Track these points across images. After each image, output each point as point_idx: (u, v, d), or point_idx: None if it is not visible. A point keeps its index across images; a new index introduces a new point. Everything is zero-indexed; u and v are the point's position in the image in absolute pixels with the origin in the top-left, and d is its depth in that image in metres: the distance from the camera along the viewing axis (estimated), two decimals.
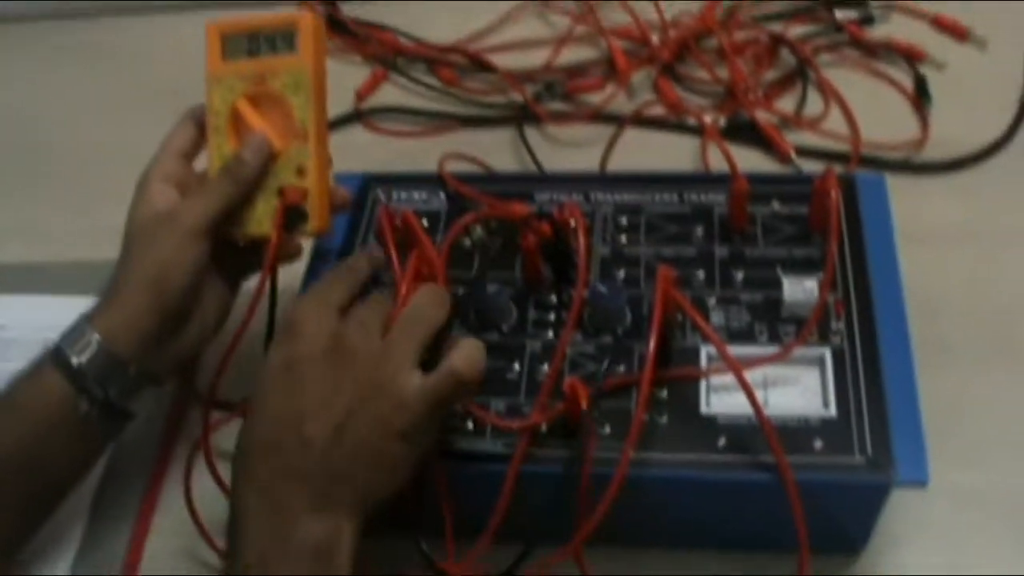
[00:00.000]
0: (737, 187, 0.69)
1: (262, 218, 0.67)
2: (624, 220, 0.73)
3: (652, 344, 0.60)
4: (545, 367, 0.66)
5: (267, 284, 0.68)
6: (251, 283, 0.71)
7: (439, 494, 0.62)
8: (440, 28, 1.06)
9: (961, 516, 0.67)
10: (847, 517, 0.63)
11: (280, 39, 0.67)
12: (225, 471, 0.67)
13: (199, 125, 0.70)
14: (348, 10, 1.09)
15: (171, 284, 0.66)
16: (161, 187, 0.67)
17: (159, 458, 0.77)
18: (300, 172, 0.67)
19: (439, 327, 0.61)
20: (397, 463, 0.58)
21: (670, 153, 0.90)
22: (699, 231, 0.72)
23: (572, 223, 0.68)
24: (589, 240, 0.70)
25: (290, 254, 0.73)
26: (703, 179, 0.76)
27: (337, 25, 1.08)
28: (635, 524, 0.63)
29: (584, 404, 0.59)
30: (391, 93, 1.02)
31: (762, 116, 0.91)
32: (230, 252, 0.71)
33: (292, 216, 0.67)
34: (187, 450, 0.73)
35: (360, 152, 0.95)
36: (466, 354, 0.60)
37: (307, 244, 0.75)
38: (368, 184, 0.79)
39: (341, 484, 0.57)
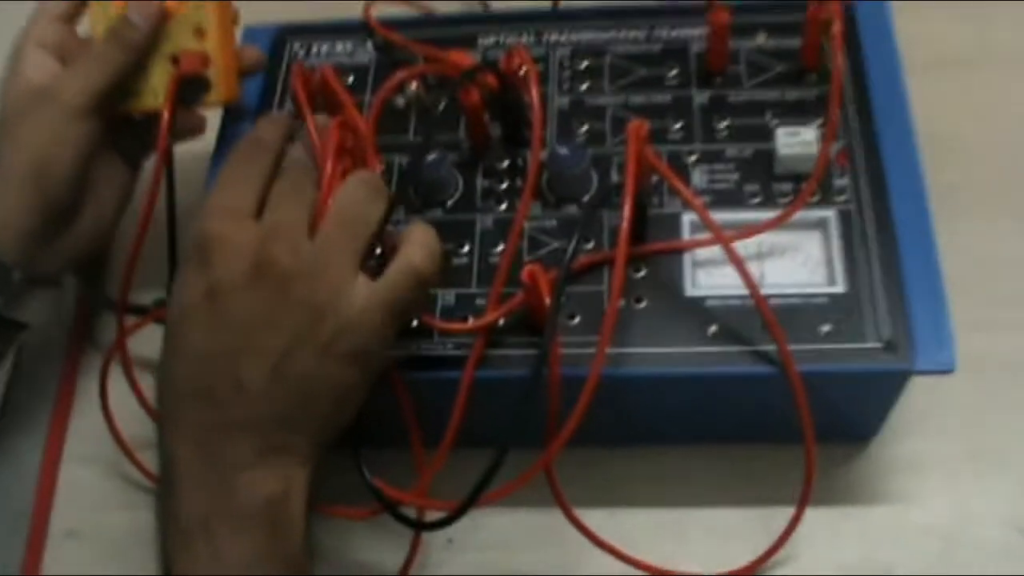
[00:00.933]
0: (716, 18, 0.58)
1: (158, 89, 0.60)
2: (584, 64, 0.63)
3: (625, 213, 0.51)
4: (500, 247, 0.57)
5: (163, 175, 0.57)
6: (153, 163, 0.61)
7: (383, 403, 0.53)
8: None
9: (983, 390, 0.58)
10: (858, 407, 0.56)
11: None
12: (144, 382, 0.61)
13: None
14: None
15: (53, 174, 0.57)
16: (37, 56, 0.59)
17: (65, 372, 0.68)
18: (199, 33, 0.60)
19: (379, 222, 0.50)
20: (351, 392, 0.50)
21: None
22: (673, 73, 0.62)
23: (522, 71, 0.57)
24: (542, 90, 0.59)
25: (191, 129, 0.64)
26: (675, 10, 0.65)
27: None
28: (613, 424, 0.56)
29: (547, 296, 0.49)
30: None
31: None
32: (126, 128, 0.62)
33: (192, 86, 0.59)
34: (97, 360, 0.65)
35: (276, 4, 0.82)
36: (421, 243, 0.52)
37: (215, 116, 0.64)
38: (282, 37, 0.68)
39: (288, 430, 0.48)
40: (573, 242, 0.51)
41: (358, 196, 0.51)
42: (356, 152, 0.56)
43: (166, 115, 0.58)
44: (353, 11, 0.68)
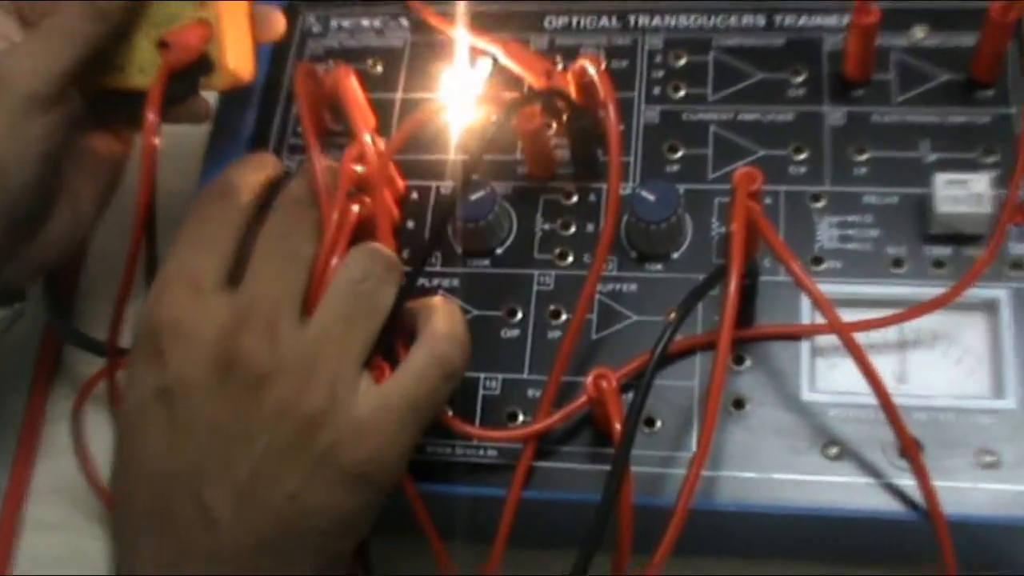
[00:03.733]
0: (860, 19, 0.54)
1: (146, 64, 0.57)
2: (682, 61, 0.60)
3: (730, 292, 0.48)
4: (563, 317, 0.54)
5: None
6: None
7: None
8: None
9: None
10: (1016, 552, 0.52)
11: None
12: None
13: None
14: None
15: (10, 177, 0.55)
16: None
17: (30, 407, 0.68)
18: None
19: (389, 308, 0.48)
20: (355, 517, 0.48)
21: None
22: (799, 80, 0.58)
23: (595, 84, 0.54)
24: (626, 97, 0.58)
25: (191, 116, 0.60)
26: None
27: None
28: (698, 540, 0.53)
29: (617, 419, 0.47)
30: None
31: None
32: (108, 99, 0.59)
33: (187, 71, 0.56)
34: (67, 396, 0.66)
35: None
36: (446, 325, 0.49)
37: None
38: (292, 8, 0.65)
39: (273, 563, 0.46)
40: (660, 343, 0.48)
41: (364, 273, 0.49)
42: (369, 184, 0.53)
43: (149, 112, 0.54)
44: None
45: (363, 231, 0.51)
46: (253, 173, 0.51)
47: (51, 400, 0.68)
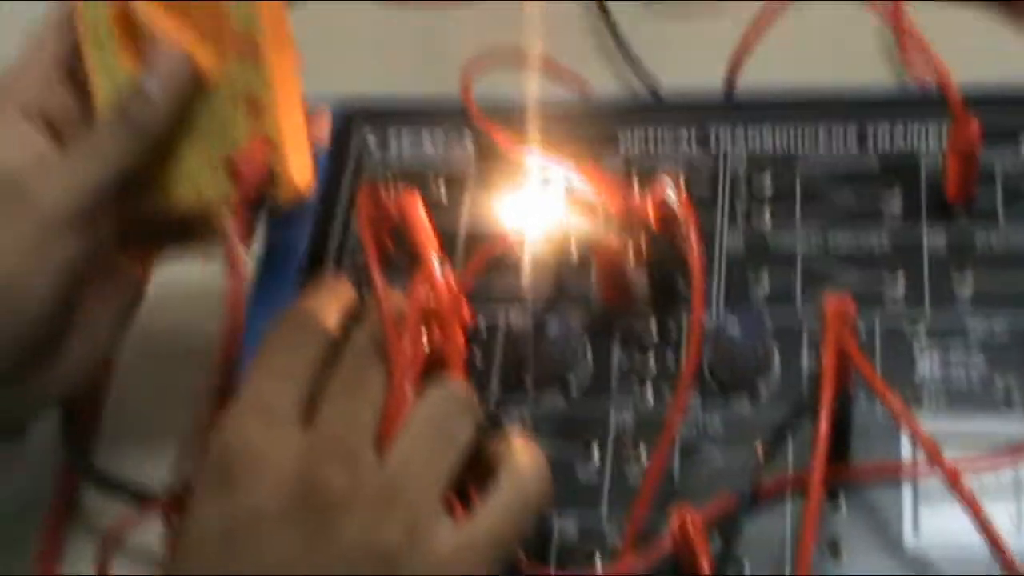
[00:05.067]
0: (960, 132, 0.56)
1: (198, 178, 0.58)
2: (767, 182, 0.62)
3: (822, 429, 0.50)
4: (642, 455, 0.56)
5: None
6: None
7: None
8: None
9: None
10: None
11: None
12: None
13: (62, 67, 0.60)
14: None
15: (21, 301, 0.56)
16: (20, 128, 0.57)
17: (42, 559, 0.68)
18: (253, 106, 0.57)
19: (468, 446, 0.50)
20: None
21: (840, 36, 0.76)
22: (894, 201, 0.60)
23: (675, 209, 0.57)
24: (709, 221, 0.61)
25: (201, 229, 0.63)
26: (898, 101, 0.63)
27: None
28: None
29: (706, 564, 0.48)
30: None
31: None
32: (134, 222, 0.61)
33: (259, 189, 0.58)
34: (87, 546, 0.65)
35: (329, 37, 0.82)
36: (528, 463, 0.51)
37: None
38: (348, 123, 0.68)
39: None
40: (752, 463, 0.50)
41: (443, 409, 0.51)
42: (440, 318, 0.55)
43: (236, 252, 0.56)
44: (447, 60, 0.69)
45: (433, 363, 0.54)
46: (330, 303, 0.54)
47: (66, 553, 0.68)
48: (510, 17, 0.79)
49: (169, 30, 0.57)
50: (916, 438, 0.50)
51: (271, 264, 0.65)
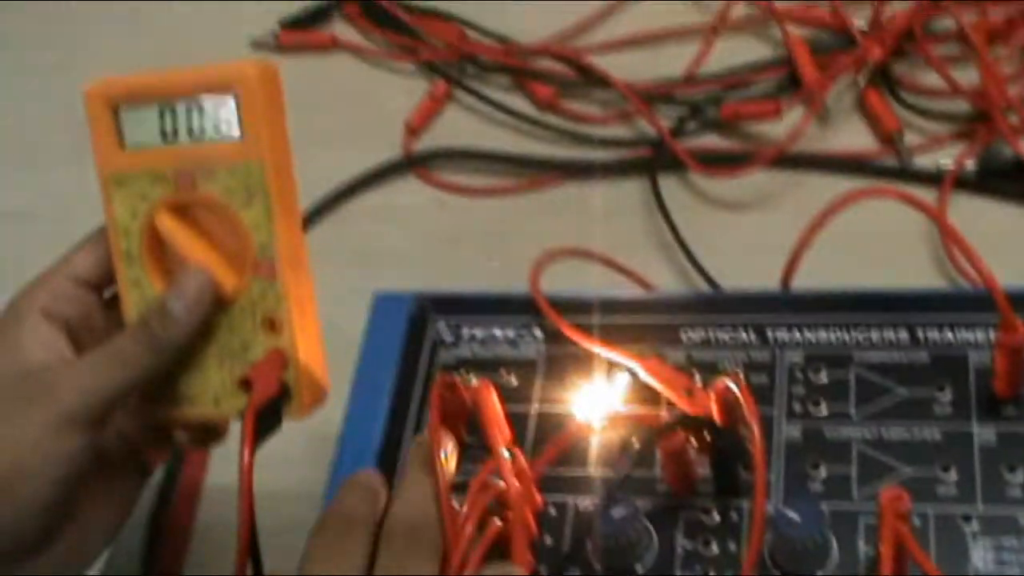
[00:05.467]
0: (1007, 340, 0.59)
1: (220, 394, 0.60)
2: (823, 376, 0.65)
3: None
4: None
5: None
6: None
7: None
8: (526, 18, 1.00)
9: None
10: None
11: (210, 115, 0.58)
12: None
13: (82, 284, 0.63)
14: None
15: (25, 490, 0.57)
16: (42, 326, 0.60)
17: None
18: (270, 325, 0.59)
19: None
20: None
21: (894, 227, 0.80)
22: (946, 397, 0.63)
23: (737, 398, 0.60)
24: (765, 414, 0.63)
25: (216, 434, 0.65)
26: (947, 302, 0.66)
27: (374, 12, 1.02)
28: None
29: None
30: (458, 123, 0.96)
31: None
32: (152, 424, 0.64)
33: (273, 403, 0.58)
34: None
35: (411, 221, 0.90)
36: None
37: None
38: (422, 313, 0.72)
39: None
40: None
41: None
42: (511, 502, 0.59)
43: (246, 455, 0.55)
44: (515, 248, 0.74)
45: (501, 546, 0.57)
46: (367, 502, 0.58)
47: None
48: (574, 213, 0.84)
49: (195, 248, 0.59)
50: None
51: (348, 458, 0.67)
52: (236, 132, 0.57)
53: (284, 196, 0.58)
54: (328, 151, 0.93)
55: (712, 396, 0.60)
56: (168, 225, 0.59)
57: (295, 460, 0.74)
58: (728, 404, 0.60)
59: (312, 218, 0.90)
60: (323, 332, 0.62)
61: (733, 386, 0.59)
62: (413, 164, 0.92)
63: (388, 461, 0.67)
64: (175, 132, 0.58)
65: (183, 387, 0.61)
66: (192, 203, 0.59)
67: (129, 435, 0.62)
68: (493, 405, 0.62)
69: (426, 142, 0.94)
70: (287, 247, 0.58)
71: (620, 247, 0.78)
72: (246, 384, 0.57)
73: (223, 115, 0.57)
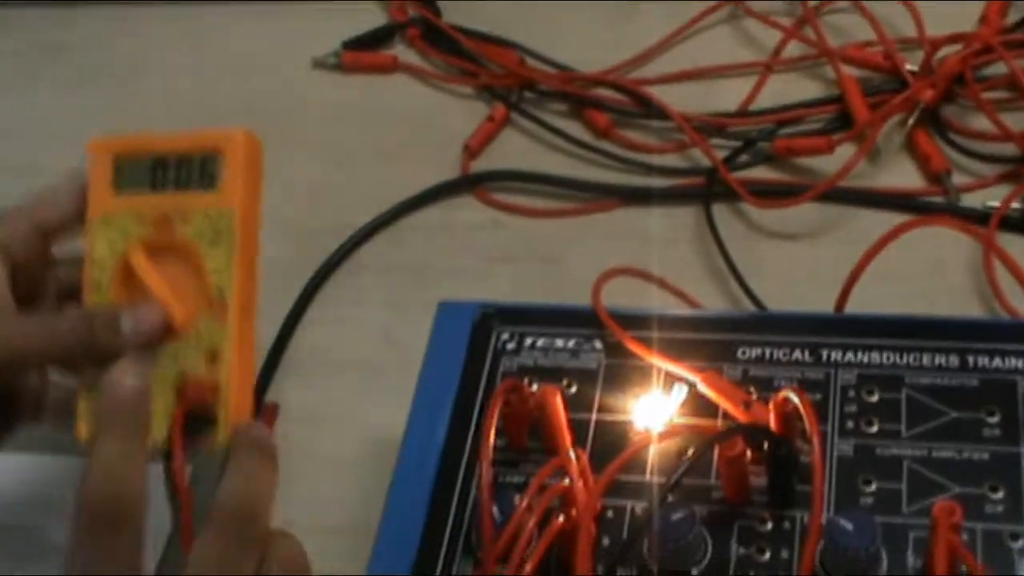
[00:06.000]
0: None
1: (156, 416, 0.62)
2: (875, 396, 0.67)
3: None
4: None
5: None
6: None
7: None
8: (583, 48, 1.02)
9: None
10: None
11: (197, 168, 0.64)
12: None
13: (42, 233, 0.66)
14: (449, 13, 1.06)
15: None
16: None
17: None
18: (212, 357, 0.63)
19: None
20: None
21: (941, 258, 0.84)
22: (994, 420, 0.65)
23: (799, 412, 0.62)
24: (824, 446, 0.64)
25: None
26: (998, 330, 0.69)
27: (435, 35, 1.05)
28: None
29: None
30: (516, 146, 0.99)
31: None
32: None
33: (200, 420, 0.62)
34: None
35: (469, 238, 0.93)
36: None
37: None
38: (486, 321, 0.74)
39: None
40: None
41: None
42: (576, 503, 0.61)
43: (176, 457, 0.60)
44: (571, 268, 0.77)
45: (564, 544, 0.60)
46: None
47: None
48: (628, 238, 0.87)
49: (158, 283, 0.64)
50: None
51: (412, 451, 0.71)
52: (216, 184, 0.64)
53: (247, 246, 0.64)
54: (387, 168, 0.97)
55: (771, 407, 0.63)
56: (139, 260, 0.64)
57: (359, 463, 0.76)
58: (786, 416, 0.63)
59: (371, 232, 0.93)
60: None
61: (794, 397, 0.62)
62: (472, 184, 0.95)
63: (450, 465, 0.69)
64: (164, 182, 0.65)
65: None
66: (166, 243, 0.64)
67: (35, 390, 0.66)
68: (558, 408, 0.65)
69: (483, 164, 0.96)
70: (240, 292, 0.63)
71: (673, 273, 0.82)
72: (180, 391, 0.62)
73: (208, 169, 0.64)
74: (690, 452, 0.65)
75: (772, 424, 0.63)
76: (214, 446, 0.62)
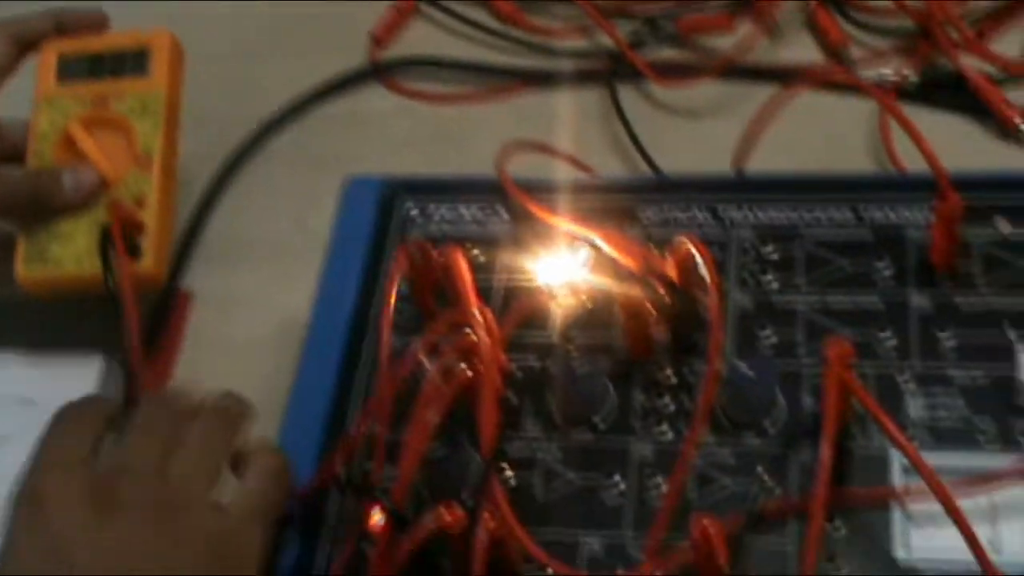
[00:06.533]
0: (945, 208, 0.64)
1: (80, 255, 0.76)
2: (772, 250, 0.69)
3: (823, 457, 0.57)
4: (661, 482, 0.63)
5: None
6: None
7: None
8: None
9: None
10: None
11: (130, 61, 0.80)
12: None
13: (18, 44, 0.80)
14: None
15: None
16: None
17: None
18: (138, 202, 0.77)
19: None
20: None
21: (835, 128, 0.85)
22: (885, 269, 0.68)
23: (698, 265, 0.64)
24: (723, 296, 0.66)
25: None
26: (890, 183, 0.71)
27: None
28: None
29: (724, 555, 0.55)
30: (422, 36, 1.00)
31: (972, 66, 0.86)
32: None
33: (125, 241, 0.75)
34: None
35: (378, 126, 0.94)
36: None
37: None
38: (391, 194, 0.76)
39: None
40: (757, 488, 0.57)
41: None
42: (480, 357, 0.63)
43: (121, 264, 0.74)
44: (478, 148, 0.78)
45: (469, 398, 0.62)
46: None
47: None
48: (535, 120, 0.88)
49: (92, 149, 0.78)
50: (915, 465, 0.56)
51: (322, 322, 0.72)
52: (147, 72, 0.80)
53: (171, 120, 0.79)
54: (296, 61, 0.97)
55: (669, 259, 0.64)
56: (77, 131, 0.78)
57: (272, 346, 0.77)
58: (684, 267, 0.65)
59: (281, 122, 0.94)
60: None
61: (690, 244, 0.63)
62: (379, 72, 0.95)
63: (358, 338, 0.71)
64: (101, 71, 0.80)
65: (52, 252, 0.76)
66: (100, 118, 0.79)
67: None
68: (461, 266, 0.66)
69: (391, 54, 0.97)
70: (163, 153, 0.78)
71: (579, 151, 0.83)
72: (111, 208, 0.76)
73: (141, 62, 0.80)
74: (593, 309, 0.67)
75: (673, 275, 0.65)
76: (141, 271, 0.75)
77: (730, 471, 0.63)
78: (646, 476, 0.63)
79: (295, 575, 0.63)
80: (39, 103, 0.80)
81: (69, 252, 0.75)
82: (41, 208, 0.76)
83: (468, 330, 0.64)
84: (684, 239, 0.64)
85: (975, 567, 0.56)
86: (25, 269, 0.76)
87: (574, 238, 0.70)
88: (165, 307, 0.84)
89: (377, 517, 0.59)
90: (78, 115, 0.78)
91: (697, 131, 0.89)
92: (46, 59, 0.81)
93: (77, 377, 0.79)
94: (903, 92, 0.86)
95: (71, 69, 0.80)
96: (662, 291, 0.64)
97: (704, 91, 0.90)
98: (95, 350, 0.80)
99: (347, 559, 0.62)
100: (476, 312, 0.64)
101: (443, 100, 0.94)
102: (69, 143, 0.78)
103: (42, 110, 0.80)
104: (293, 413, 0.69)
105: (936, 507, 0.58)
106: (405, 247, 0.66)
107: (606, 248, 0.68)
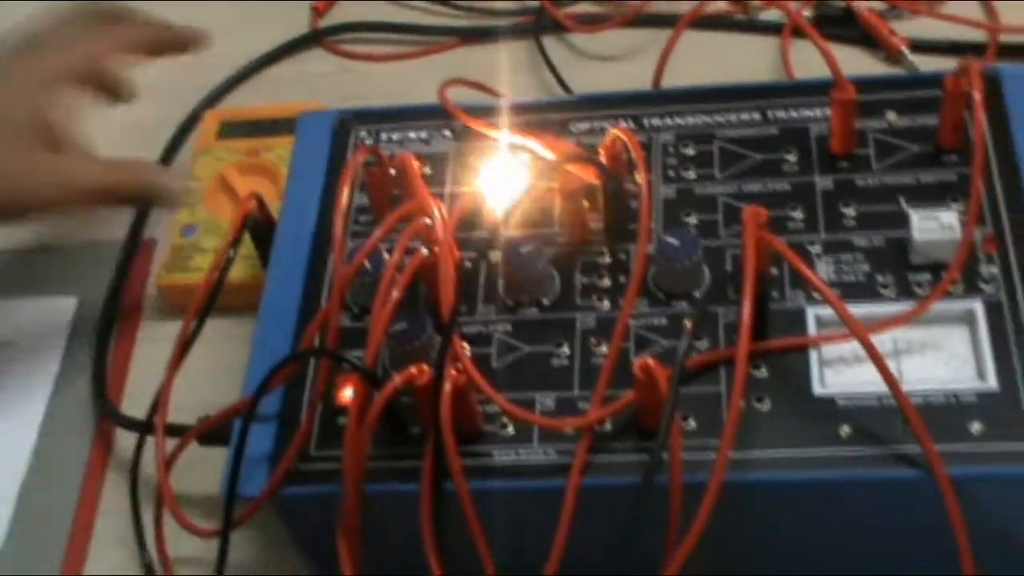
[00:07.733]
0: (841, 96, 0.71)
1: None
2: (691, 150, 0.76)
3: (746, 307, 0.63)
4: (603, 347, 0.68)
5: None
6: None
7: (465, 523, 0.64)
8: None
9: None
10: (1021, 524, 0.65)
11: (283, 124, 0.90)
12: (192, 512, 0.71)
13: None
14: None
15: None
16: (50, 85, 0.79)
17: (83, 499, 0.80)
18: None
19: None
20: None
21: (741, 61, 0.93)
22: (792, 158, 0.74)
23: (626, 154, 0.70)
24: (649, 177, 0.72)
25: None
26: (792, 88, 0.78)
27: None
28: (736, 548, 0.66)
29: (664, 388, 0.61)
30: (360, 6, 1.06)
31: (861, 4, 0.94)
32: None
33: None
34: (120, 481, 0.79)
35: (321, 85, 1.00)
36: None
37: None
38: (344, 124, 0.81)
39: None
40: (688, 333, 0.64)
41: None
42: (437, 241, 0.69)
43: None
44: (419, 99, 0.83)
45: (426, 276, 0.68)
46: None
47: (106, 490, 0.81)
48: (469, 72, 0.93)
49: (244, 188, 0.89)
50: (833, 305, 0.62)
51: (285, 241, 0.77)
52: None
53: None
54: (244, 30, 1.02)
55: (602, 149, 0.71)
56: (231, 174, 0.90)
57: None
58: (616, 157, 0.71)
59: (232, 86, 0.99)
60: None
61: (621, 134, 0.69)
62: (319, 37, 1.01)
63: (320, 256, 0.76)
64: (257, 131, 0.93)
65: (194, 262, 0.88)
66: (252, 165, 0.91)
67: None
68: (414, 167, 0.72)
69: (331, 18, 1.03)
70: None
71: (509, 87, 0.89)
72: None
73: (293, 125, 0.83)
74: (535, 204, 0.73)
75: (606, 164, 0.71)
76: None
77: (664, 333, 0.68)
78: (590, 343, 0.69)
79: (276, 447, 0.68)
80: (196, 154, 0.93)
81: (209, 263, 0.77)
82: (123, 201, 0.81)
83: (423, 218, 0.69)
84: (615, 131, 0.70)
85: (881, 396, 0.63)
86: (166, 276, 0.86)
87: (513, 147, 0.76)
88: (131, 255, 0.91)
89: (348, 392, 0.64)
90: (232, 162, 0.91)
91: (618, 73, 0.96)
92: (208, 125, 0.94)
93: (52, 317, 0.84)
94: (799, 31, 0.93)
95: (229, 131, 0.93)
96: (596, 177, 0.70)
97: (622, 38, 0.97)
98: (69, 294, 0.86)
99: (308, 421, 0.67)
100: (429, 199, 0.69)
101: (380, 59, 1.00)
102: (224, 185, 0.90)
103: (199, 159, 0.92)
104: (265, 323, 0.74)
105: (846, 349, 0.65)
106: (363, 147, 0.72)
107: (542, 151, 0.74)
